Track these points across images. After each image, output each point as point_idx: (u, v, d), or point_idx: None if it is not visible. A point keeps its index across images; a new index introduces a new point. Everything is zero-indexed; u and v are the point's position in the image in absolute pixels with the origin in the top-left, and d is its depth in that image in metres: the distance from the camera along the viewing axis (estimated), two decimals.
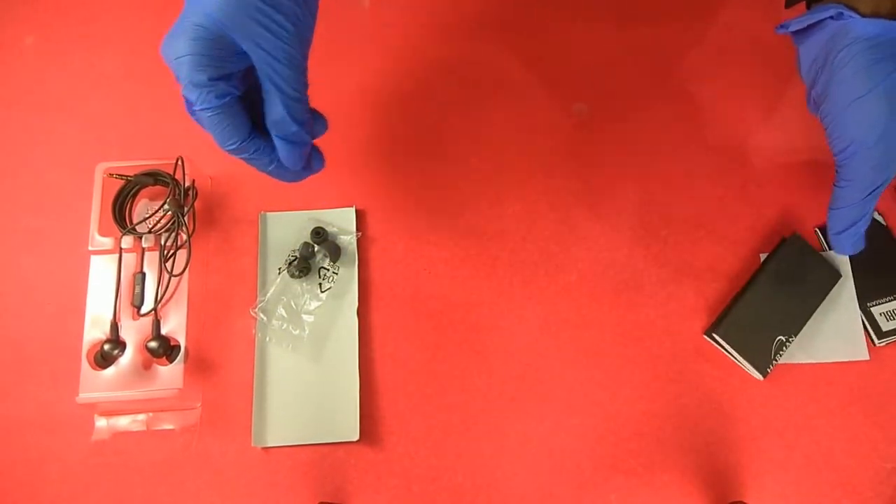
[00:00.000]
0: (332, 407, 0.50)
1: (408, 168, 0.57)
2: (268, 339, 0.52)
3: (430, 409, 0.51)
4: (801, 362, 0.52)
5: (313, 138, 0.42)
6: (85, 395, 0.48)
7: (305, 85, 0.39)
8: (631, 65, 0.60)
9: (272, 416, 0.50)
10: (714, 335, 0.52)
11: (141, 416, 0.50)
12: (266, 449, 0.50)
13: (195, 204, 0.52)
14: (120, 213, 0.52)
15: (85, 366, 0.49)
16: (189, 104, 0.38)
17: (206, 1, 0.36)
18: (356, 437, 0.49)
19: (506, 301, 0.54)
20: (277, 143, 0.40)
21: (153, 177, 0.53)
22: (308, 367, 0.51)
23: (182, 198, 0.51)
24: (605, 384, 0.52)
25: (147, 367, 0.49)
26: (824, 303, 0.53)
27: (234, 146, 0.39)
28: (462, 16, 0.62)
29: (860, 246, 0.45)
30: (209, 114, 0.37)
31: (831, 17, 0.42)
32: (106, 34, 0.61)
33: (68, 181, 0.56)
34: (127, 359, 0.49)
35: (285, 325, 0.52)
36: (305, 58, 0.39)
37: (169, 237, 0.51)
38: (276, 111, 0.38)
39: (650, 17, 0.60)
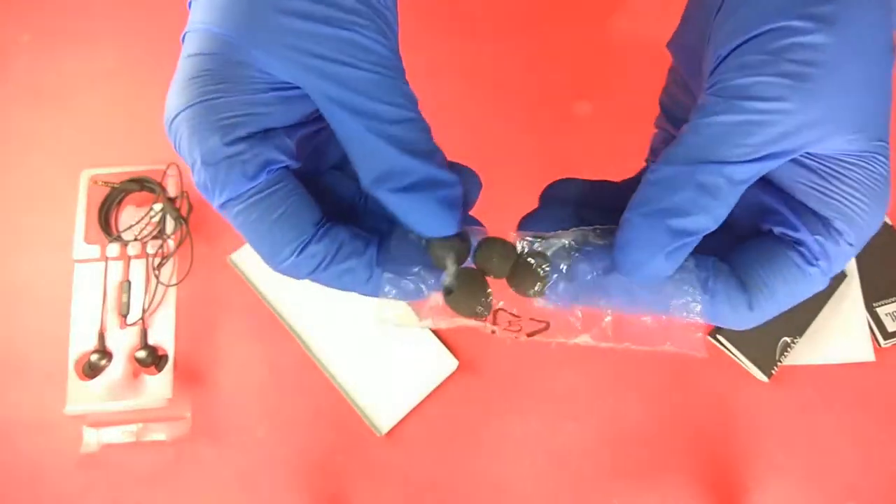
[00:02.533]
0: (410, 353, 0.51)
1: None
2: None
3: (431, 409, 0.51)
4: (805, 363, 0.52)
5: (465, 197, 0.26)
6: (73, 407, 0.48)
7: (411, 97, 0.24)
8: (635, 62, 0.59)
9: (371, 400, 0.50)
10: (718, 337, 0.51)
11: (130, 427, 0.49)
12: (262, 456, 0.49)
13: (185, 211, 0.51)
14: (106, 220, 0.51)
15: (72, 377, 0.48)
16: (210, 196, 0.22)
17: (206, 11, 0.22)
18: (455, 364, 0.51)
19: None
20: (399, 204, 0.23)
21: (139, 183, 0.52)
22: (366, 338, 0.52)
23: (170, 205, 0.50)
24: (607, 386, 0.51)
25: (135, 377, 0.49)
26: (829, 303, 0.52)
27: (293, 255, 0.22)
28: (462, 16, 0.61)
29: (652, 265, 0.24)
30: (241, 206, 0.22)
31: None
32: (104, 34, 0.61)
33: (57, 185, 0.55)
34: (115, 369, 0.49)
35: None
36: (397, 52, 0.25)
37: (159, 245, 0.50)
38: (372, 155, 0.23)
39: (652, 15, 0.60)
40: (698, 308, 0.24)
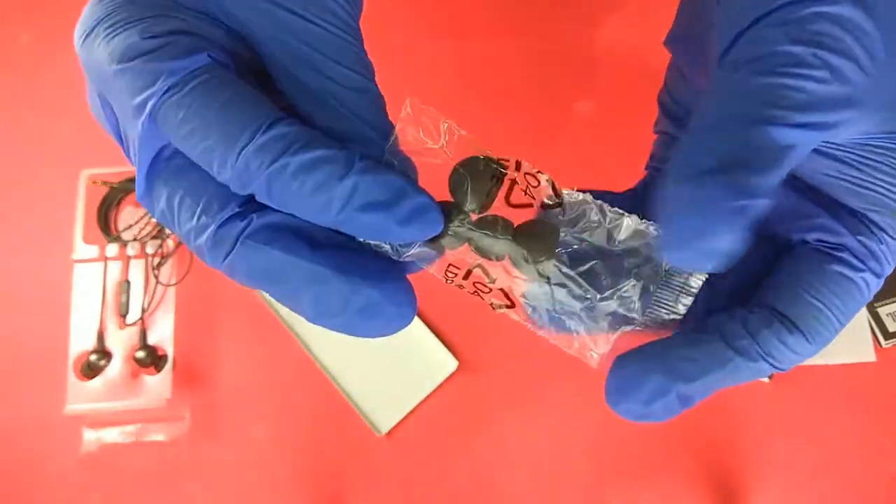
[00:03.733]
0: (410, 353, 0.51)
1: None
2: None
3: (430, 409, 0.50)
4: (806, 363, 0.51)
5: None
6: (72, 407, 0.48)
7: (370, 67, 0.23)
8: (636, 62, 0.59)
9: (371, 400, 0.50)
10: None
11: (129, 428, 0.49)
12: (261, 457, 0.49)
13: None
14: (105, 220, 0.51)
15: (71, 377, 0.48)
16: (137, 94, 0.19)
17: None
18: (455, 364, 0.50)
19: None
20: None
21: None
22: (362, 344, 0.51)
23: None
24: None
25: (134, 377, 0.49)
26: None
27: (258, 134, 0.18)
28: (462, 15, 0.61)
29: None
30: (183, 91, 0.18)
31: None
32: None
33: (56, 185, 0.55)
34: (114, 369, 0.49)
35: None
36: (358, 24, 0.23)
37: (158, 245, 0.50)
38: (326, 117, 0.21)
39: (652, 15, 0.59)
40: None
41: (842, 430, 0.50)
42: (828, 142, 0.20)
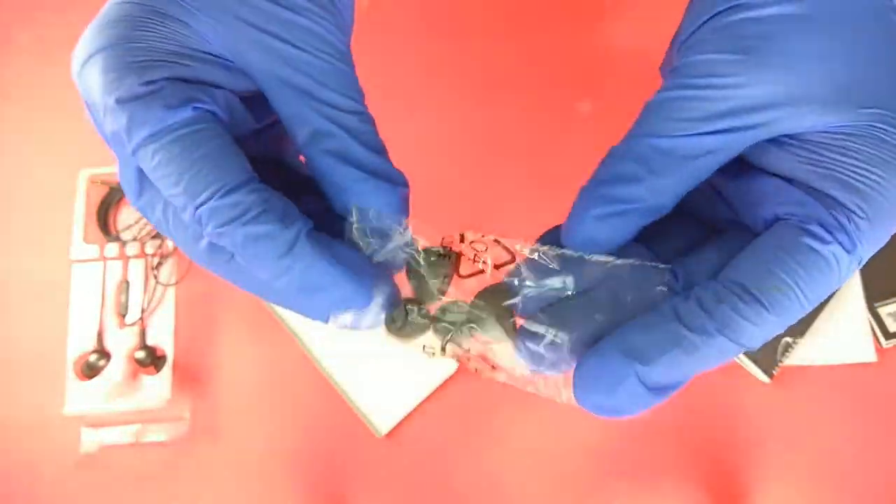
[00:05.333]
0: (408, 358, 0.50)
1: (409, 169, 0.56)
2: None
3: (431, 409, 0.50)
4: (807, 364, 0.51)
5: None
6: (71, 408, 0.48)
7: (362, 92, 0.24)
8: (637, 61, 0.59)
9: (370, 402, 0.50)
10: None
11: (129, 428, 0.49)
12: (261, 457, 0.49)
13: None
14: (104, 220, 0.51)
15: (70, 377, 0.48)
16: (126, 138, 0.20)
17: None
18: (456, 365, 0.50)
19: None
20: (357, 186, 0.22)
21: None
22: (365, 338, 0.51)
23: None
24: None
25: (134, 377, 0.49)
26: (831, 303, 0.52)
27: (215, 196, 0.19)
28: (462, 15, 0.61)
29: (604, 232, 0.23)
30: (162, 141, 0.19)
31: None
32: None
33: (55, 185, 0.55)
34: (113, 369, 0.48)
35: None
36: (349, 51, 0.24)
37: (158, 245, 0.50)
38: (326, 140, 0.22)
39: (652, 14, 0.59)
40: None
41: (842, 430, 0.50)
42: (783, 134, 0.21)
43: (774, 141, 0.21)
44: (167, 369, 0.48)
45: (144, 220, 0.50)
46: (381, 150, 0.23)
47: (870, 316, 0.52)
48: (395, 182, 0.23)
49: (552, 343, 0.22)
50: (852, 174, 0.20)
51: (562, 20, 0.61)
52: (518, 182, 0.56)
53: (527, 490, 0.49)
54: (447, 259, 0.23)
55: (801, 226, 0.21)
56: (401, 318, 0.23)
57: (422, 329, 0.23)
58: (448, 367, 0.51)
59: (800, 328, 0.51)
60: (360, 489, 0.49)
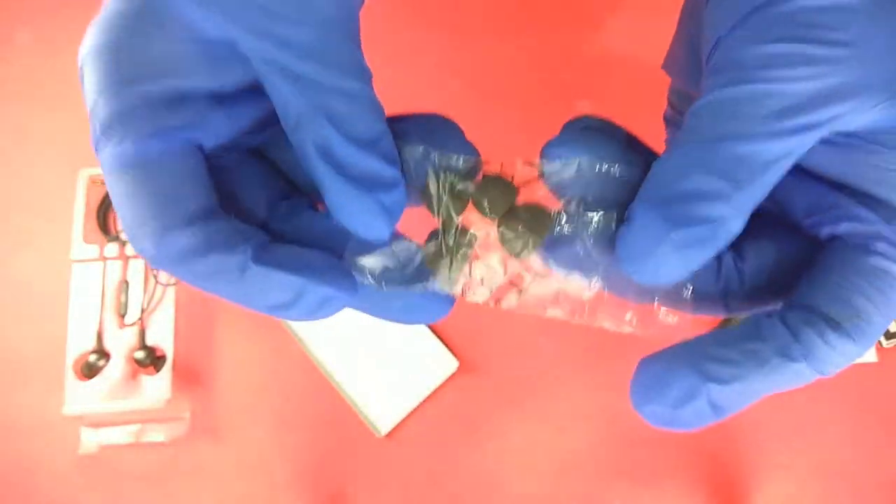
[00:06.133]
0: (411, 354, 0.51)
1: None
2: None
3: (431, 410, 0.50)
4: None
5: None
6: (71, 408, 0.48)
7: (364, 69, 0.21)
8: (637, 61, 0.59)
9: (370, 402, 0.50)
10: None
11: (129, 428, 0.49)
12: (261, 457, 0.49)
13: None
14: (104, 220, 0.51)
15: (70, 377, 0.48)
16: (95, 147, 0.20)
17: None
18: (455, 365, 0.50)
19: None
20: (333, 192, 0.20)
21: None
22: (365, 338, 0.52)
23: None
24: (608, 386, 0.51)
25: (134, 377, 0.49)
26: None
27: (154, 237, 0.18)
28: (463, 15, 0.61)
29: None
30: (120, 168, 0.18)
31: None
32: None
33: (55, 185, 0.55)
34: (113, 369, 0.48)
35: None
36: (355, 16, 0.21)
37: None
38: (310, 130, 0.20)
39: (652, 14, 0.59)
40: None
41: (842, 430, 0.50)
42: (838, 132, 0.19)
43: (827, 140, 0.19)
44: (167, 369, 0.48)
45: None
46: (370, 141, 0.20)
47: None
48: (381, 186, 0.20)
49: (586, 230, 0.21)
50: None
51: (561, 21, 0.61)
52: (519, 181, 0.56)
53: (526, 490, 0.49)
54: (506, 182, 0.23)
55: (867, 246, 0.19)
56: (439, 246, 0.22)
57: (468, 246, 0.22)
58: (449, 367, 0.51)
59: None
60: (360, 489, 0.49)
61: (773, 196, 0.20)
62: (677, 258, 0.19)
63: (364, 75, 0.21)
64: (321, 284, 0.19)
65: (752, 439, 0.50)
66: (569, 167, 0.21)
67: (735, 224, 0.19)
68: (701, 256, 0.19)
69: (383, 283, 0.21)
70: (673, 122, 0.28)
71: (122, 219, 0.19)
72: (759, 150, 0.18)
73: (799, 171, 0.21)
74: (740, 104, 0.19)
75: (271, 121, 0.21)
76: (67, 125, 0.57)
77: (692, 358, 0.20)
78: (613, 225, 0.21)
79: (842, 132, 0.19)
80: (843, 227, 0.20)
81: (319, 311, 0.20)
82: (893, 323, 0.52)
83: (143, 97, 0.19)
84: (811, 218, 0.21)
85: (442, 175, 0.22)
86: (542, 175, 0.22)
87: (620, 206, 0.21)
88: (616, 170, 0.21)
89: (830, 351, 0.19)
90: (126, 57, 0.19)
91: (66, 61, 0.59)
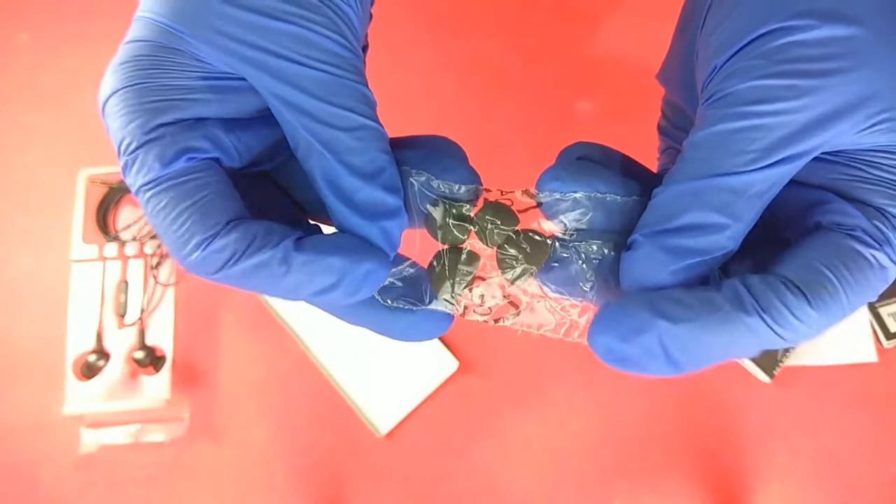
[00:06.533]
0: (411, 354, 0.51)
1: None
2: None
3: (430, 410, 0.50)
4: (808, 364, 0.51)
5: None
6: (71, 408, 0.48)
7: (368, 100, 0.22)
8: (636, 62, 0.59)
9: (371, 401, 0.50)
10: None
11: (128, 428, 0.49)
12: (261, 457, 0.49)
13: None
14: (103, 220, 0.51)
15: (70, 377, 0.48)
16: (127, 180, 0.21)
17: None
18: (455, 365, 0.50)
19: None
20: (342, 217, 0.22)
21: None
22: (366, 339, 0.51)
23: None
24: (608, 386, 0.51)
25: (133, 377, 0.48)
26: None
27: (200, 248, 0.20)
28: (462, 15, 0.61)
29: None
30: (152, 191, 0.20)
31: None
32: (103, 34, 0.60)
33: (54, 185, 0.55)
34: (113, 370, 0.48)
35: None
36: (357, 51, 0.22)
37: (157, 245, 0.50)
38: (316, 161, 0.21)
39: (652, 13, 0.59)
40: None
41: (842, 430, 0.50)
42: (832, 151, 0.21)
43: (815, 158, 0.21)
44: (166, 369, 0.48)
45: (143, 220, 0.50)
46: (373, 173, 0.21)
47: (871, 316, 0.52)
48: (383, 215, 0.22)
49: (579, 271, 0.22)
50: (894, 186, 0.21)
51: (562, 20, 0.61)
52: (518, 182, 0.56)
53: (526, 490, 0.49)
54: (507, 209, 0.23)
55: (847, 232, 0.20)
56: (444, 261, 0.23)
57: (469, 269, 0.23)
58: (448, 368, 0.51)
59: None
60: (360, 489, 0.49)
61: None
62: (675, 282, 0.21)
63: (368, 107, 0.22)
64: (361, 261, 0.21)
65: (753, 439, 0.50)
66: (565, 200, 0.22)
67: (730, 247, 0.21)
68: (697, 277, 0.21)
69: (389, 301, 0.23)
70: (666, 132, 0.29)
71: (163, 237, 0.21)
72: (753, 182, 0.20)
73: (790, 184, 0.22)
74: (735, 139, 0.20)
75: (282, 146, 0.23)
76: (67, 126, 0.57)
77: (648, 299, 0.20)
78: (606, 251, 0.22)
79: (828, 151, 0.20)
80: (828, 218, 0.21)
81: (363, 287, 0.21)
82: (893, 322, 0.52)
83: (165, 125, 0.21)
84: (800, 217, 0.22)
85: (443, 203, 0.23)
86: (539, 205, 0.23)
87: (617, 233, 0.22)
88: (612, 199, 0.22)
89: (786, 312, 0.19)
90: (147, 93, 0.21)
91: (66, 62, 0.60)
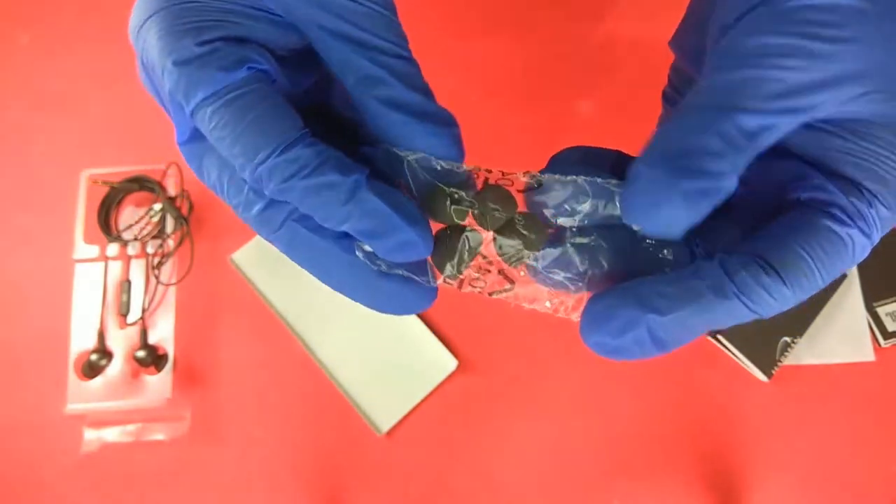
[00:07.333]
0: (410, 353, 0.51)
1: None
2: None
3: (430, 409, 0.50)
4: (806, 363, 0.51)
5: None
6: (73, 407, 0.48)
7: (405, 37, 0.24)
8: (637, 61, 0.59)
9: (371, 400, 0.50)
10: (718, 336, 0.51)
11: (130, 427, 0.49)
12: (261, 456, 0.49)
13: (185, 211, 0.51)
14: (105, 220, 0.51)
15: (72, 376, 0.48)
16: (184, 101, 0.21)
17: None
18: (455, 364, 0.50)
19: None
20: (412, 130, 0.23)
21: (138, 182, 0.52)
22: (366, 338, 0.51)
23: (169, 204, 0.50)
24: (607, 385, 0.51)
25: (135, 376, 0.49)
26: (830, 303, 0.52)
27: (273, 154, 0.20)
28: (462, 15, 0.61)
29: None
30: (218, 103, 0.20)
31: None
32: (103, 34, 0.60)
33: (56, 185, 0.55)
34: (114, 369, 0.49)
35: None
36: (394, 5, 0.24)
37: (159, 244, 0.50)
38: (377, 86, 0.22)
39: (653, 12, 0.59)
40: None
41: (842, 430, 0.50)
42: (817, 118, 0.21)
43: (807, 124, 0.22)
44: (168, 369, 0.48)
45: (145, 220, 0.50)
46: (428, 93, 0.23)
47: (868, 316, 0.52)
48: (447, 123, 0.23)
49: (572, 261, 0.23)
50: (880, 162, 0.21)
51: (562, 20, 0.61)
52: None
53: (526, 489, 0.49)
54: (506, 191, 0.24)
55: (822, 209, 0.21)
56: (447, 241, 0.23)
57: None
58: (448, 366, 0.51)
59: (798, 328, 0.51)
60: (360, 488, 0.49)
61: (749, 177, 0.22)
62: (685, 208, 0.21)
63: (406, 41, 0.24)
64: (411, 227, 0.21)
65: (751, 438, 0.50)
66: (565, 182, 0.23)
67: (730, 182, 0.21)
68: (705, 207, 0.21)
69: (383, 266, 0.23)
70: (671, 99, 0.30)
71: (232, 146, 0.20)
72: (753, 122, 0.21)
73: (779, 150, 0.23)
74: (740, 85, 0.21)
75: (310, 92, 0.24)
76: (69, 126, 0.57)
77: (635, 293, 0.21)
78: (602, 239, 0.23)
79: (820, 118, 0.21)
80: (806, 195, 0.22)
81: (398, 251, 0.22)
82: (892, 322, 0.52)
83: (217, 40, 0.21)
84: (781, 188, 0.23)
85: (444, 184, 0.23)
86: (539, 187, 0.23)
87: (615, 219, 0.23)
88: (612, 185, 0.22)
89: (762, 291, 0.20)
90: (189, 13, 0.21)
91: (66, 62, 0.60)
